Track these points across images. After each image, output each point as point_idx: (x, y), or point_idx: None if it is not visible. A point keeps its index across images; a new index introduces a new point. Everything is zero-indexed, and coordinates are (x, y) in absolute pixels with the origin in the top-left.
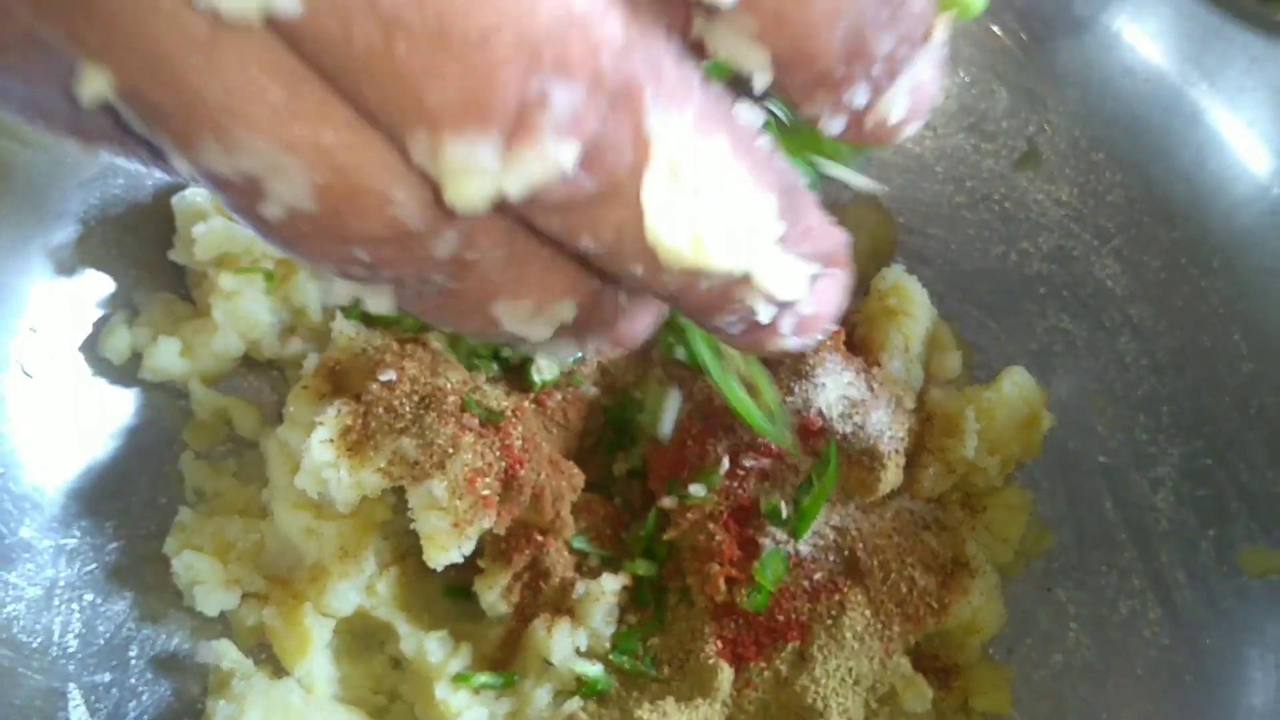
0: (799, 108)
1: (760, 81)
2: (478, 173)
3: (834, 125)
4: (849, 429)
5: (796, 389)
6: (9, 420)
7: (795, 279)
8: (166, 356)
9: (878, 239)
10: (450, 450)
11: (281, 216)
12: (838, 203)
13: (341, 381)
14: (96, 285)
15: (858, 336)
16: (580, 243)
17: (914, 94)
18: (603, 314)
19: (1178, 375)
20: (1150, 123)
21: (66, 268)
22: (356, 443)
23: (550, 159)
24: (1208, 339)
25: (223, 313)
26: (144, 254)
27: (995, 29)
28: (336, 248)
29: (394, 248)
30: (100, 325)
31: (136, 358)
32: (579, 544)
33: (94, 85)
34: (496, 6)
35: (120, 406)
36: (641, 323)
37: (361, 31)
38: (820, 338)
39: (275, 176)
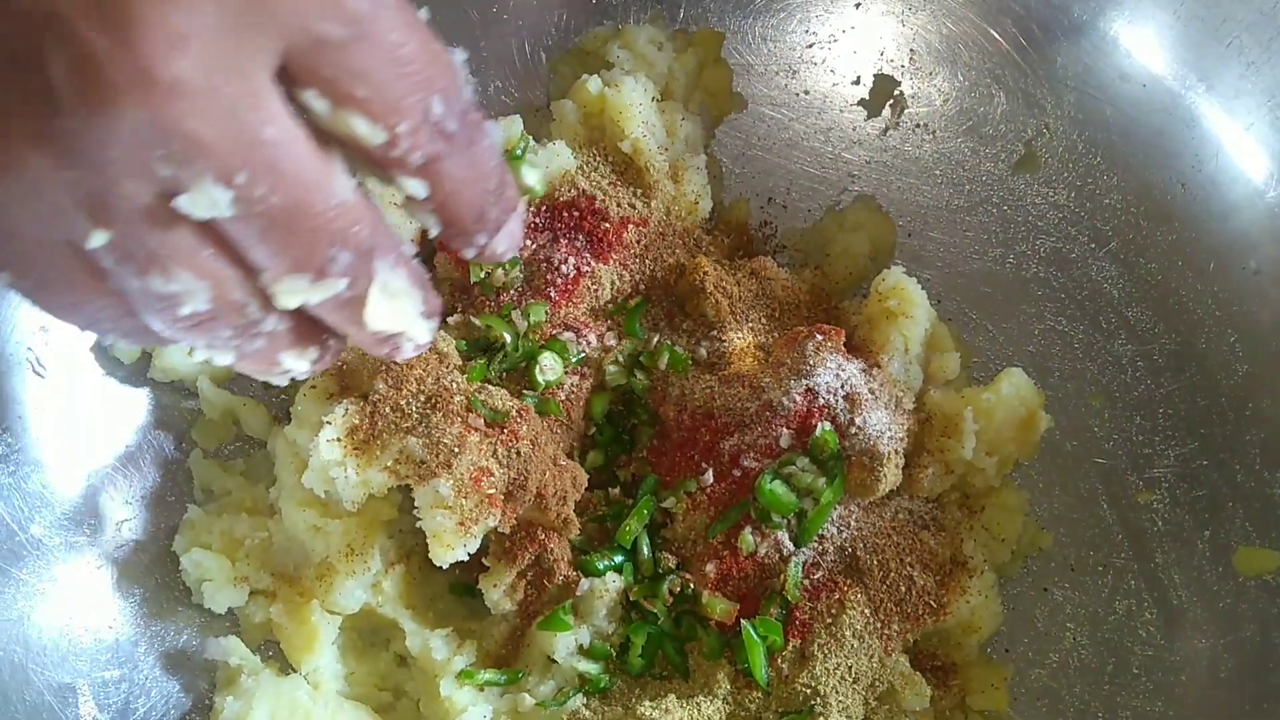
0: (453, 245)
1: (433, 233)
2: (297, 292)
3: (468, 254)
4: (849, 428)
5: (795, 386)
6: (20, 419)
7: (424, 331)
8: (175, 356)
9: (877, 241)
10: (456, 450)
11: (188, 314)
12: (838, 206)
13: (349, 381)
14: None
15: (858, 337)
16: (332, 321)
17: (509, 235)
18: (330, 353)
19: (1174, 377)
20: (1147, 126)
21: None
22: (363, 442)
23: (334, 288)
24: (1204, 341)
25: None
26: None
27: (994, 33)
28: (214, 330)
29: (242, 329)
30: None
31: (146, 357)
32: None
33: (98, 240)
34: (318, 218)
35: (130, 405)
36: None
37: (255, 226)
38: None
39: (189, 294)
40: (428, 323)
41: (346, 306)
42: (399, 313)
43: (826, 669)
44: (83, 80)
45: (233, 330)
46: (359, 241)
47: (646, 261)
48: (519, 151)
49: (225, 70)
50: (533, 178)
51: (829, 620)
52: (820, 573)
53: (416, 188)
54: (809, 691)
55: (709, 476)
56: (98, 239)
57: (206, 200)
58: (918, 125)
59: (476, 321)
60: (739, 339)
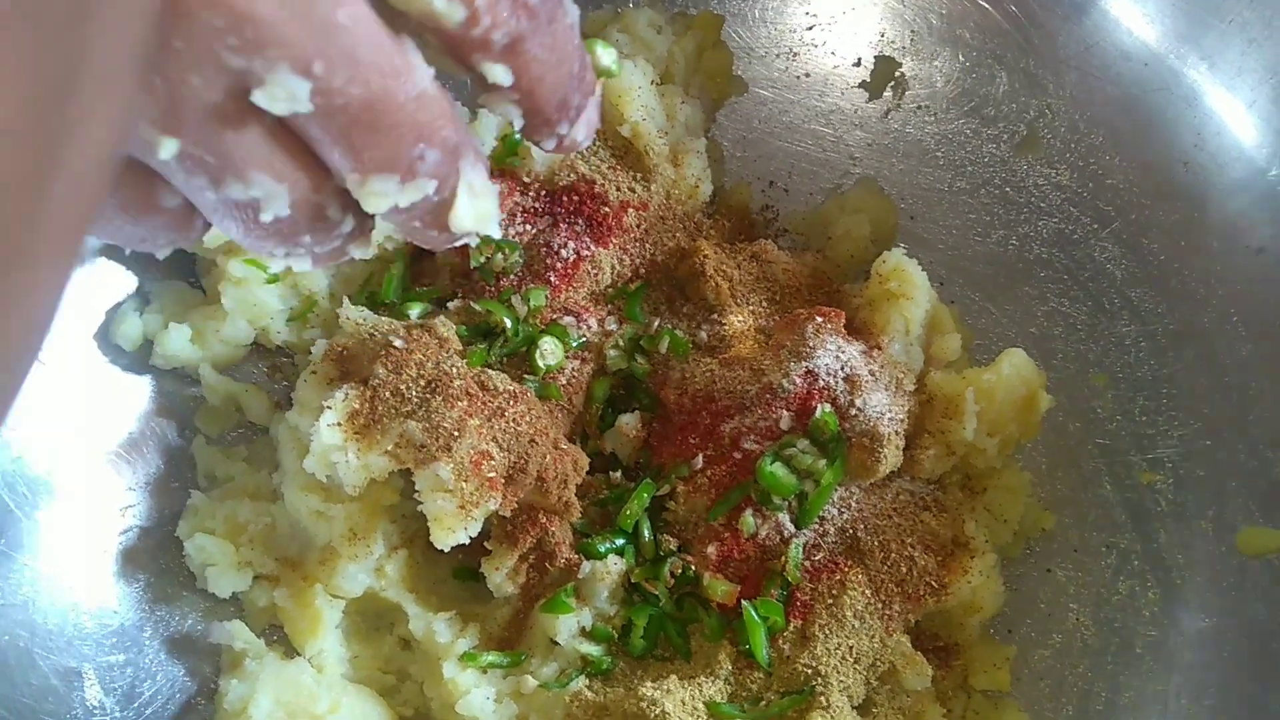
0: (533, 137)
1: (516, 125)
2: (384, 195)
3: (548, 145)
4: (849, 410)
5: (795, 368)
6: (22, 405)
7: (496, 226)
8: (177, 343)
9: (879, 224)
10: (456, 434)
11: (269, 221)
12: (839, 189)
13: (349, 366)
14: (108, 273)
15: (859, 319)
16: (413, 224)
17: (587, 123)
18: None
19: (1177, 357)
20: (1149, 105)
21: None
22: (364, 426)
23: (423, 189)
24: (1207, 321)
25: (232, 300)
26: None
27: (994, 12)
28: (294, 236)
29: (321, 232)
30: (112, 313)
31: (148, 344)
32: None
33: (169, 150)
34: (401, 111)
35: (132, 392)
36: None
37: (336, 122)
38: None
39: (270, 199)
40: (499, 217)
41: (432, 210)
42: (482, 213)
43: (827, 649)
44: None
45: (312, 234)
46: (445, 138)
47: (647, 245)
48: (516, 137)
49: None
50: (608, 58)
51: (830, 601)
52: (821, 554)
53: (501, 74)
54: (810, 671)
55: (699, 461)
56: (168, 149)
57: (285, 92)
58: (919, 107)
59: (476, 306)
60: (739, 322)
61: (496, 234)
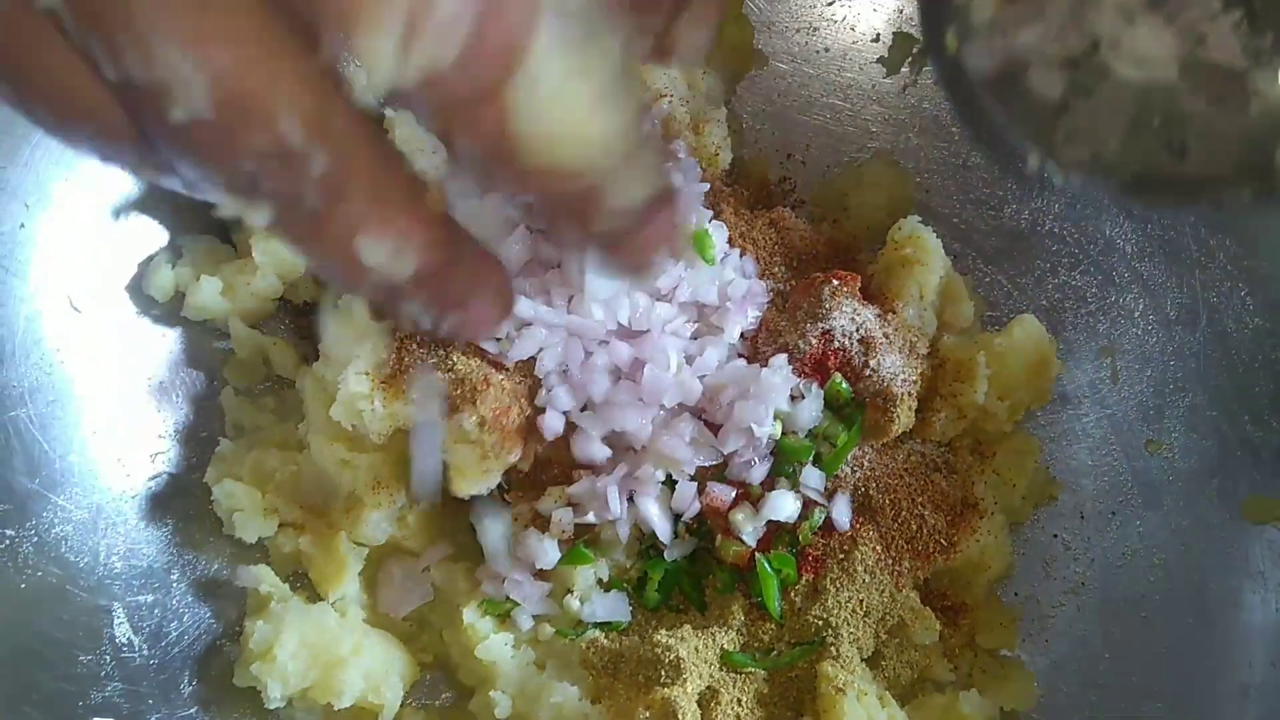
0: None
1: None
2: (381, 62)
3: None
4: (864, 370)
5: (811, 329)
6: (59, 351)
7: None
8: (208, 295)
9: (894, 197)
10: (481, 386)
11: (183, 122)
12: (856, 162)
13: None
14: (142, 227)
15: (874, 284)
16: (457, 141)
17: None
18: (455, 282)
19: (1185, 330)
20: None
21: (114, 210)
22: (390, 376)
23: (433, 54)
24: (1215, 295)
25: (262, 254)
26: (186, 197)
27: None
28: (226, 158)
29: (275, 162)
30: (145, 265)
31: (180, 296)
32: None
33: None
34: None
35: (163, 343)
36: (488, 313)
37: None
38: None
39: (181, 86)
40: None
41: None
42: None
43: (838, 602)
44: None
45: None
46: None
47: None
48: None
49: None
50: None
51: (841, 556)
52: None
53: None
54: (820, 624)
55: None
56: None
57: None
58: (935, 82)
59: None
60: None
61: None
